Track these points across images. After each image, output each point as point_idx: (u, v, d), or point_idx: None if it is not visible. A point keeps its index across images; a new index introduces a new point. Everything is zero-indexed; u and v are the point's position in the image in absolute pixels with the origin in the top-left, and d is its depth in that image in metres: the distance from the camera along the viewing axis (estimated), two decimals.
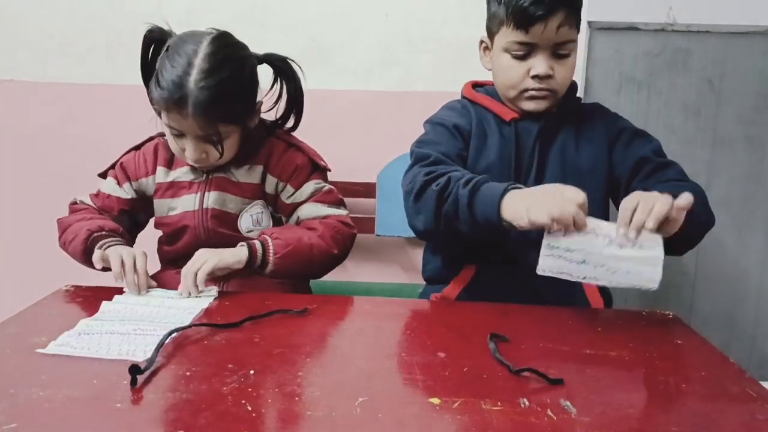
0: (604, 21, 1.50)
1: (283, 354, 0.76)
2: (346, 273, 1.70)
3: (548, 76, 1.03)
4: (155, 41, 1.05)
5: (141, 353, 0.73)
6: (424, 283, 1.23)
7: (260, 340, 0.80)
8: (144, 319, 0.85)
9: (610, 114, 1.16)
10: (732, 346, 1.62)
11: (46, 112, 1.64)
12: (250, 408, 0.62)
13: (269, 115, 1.18)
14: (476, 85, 1.19)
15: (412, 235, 1.08)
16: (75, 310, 0.92)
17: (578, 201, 0.83)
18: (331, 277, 1.65)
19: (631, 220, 0.82)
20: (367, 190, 1.61)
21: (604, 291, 1.09)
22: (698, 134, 1.55)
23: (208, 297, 0.95)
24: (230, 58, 1.01)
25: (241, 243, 1.03)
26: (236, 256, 1.00)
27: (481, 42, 1.12)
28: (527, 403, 0.64)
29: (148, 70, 1.07)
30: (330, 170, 1.20)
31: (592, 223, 0.84)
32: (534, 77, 1.03)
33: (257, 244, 1.02)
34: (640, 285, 0.81)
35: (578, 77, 1.33)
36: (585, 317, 0.94)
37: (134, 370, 0.66)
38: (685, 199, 0.83)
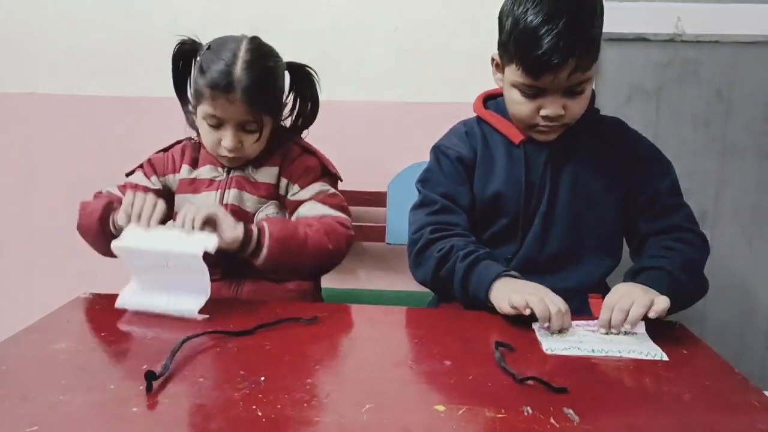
0: (612, 32, 1.51)
1: (293, 361, 0.78)
2: (357, 281, 1.72)
3: (559, 116, 1.00)
4: (186, 52, 1.14)
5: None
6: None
7: (271, 348, 0.82)
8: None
9: (630, 134, 1.13)
10: (745, 357, 1.61)
11: (65, 123, 1.69)
12: (260, 413, 0.64)
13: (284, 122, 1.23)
14: (489, 97, 1.17)
15: None
16: (93, 317, 0.95)
17: (561, 308, 0.87)
18: (342, 284, 1.68)
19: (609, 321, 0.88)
20: (378, 198, 1.63)
21: None
22: (708, 145, 1.56)
23: (207, 240, 0.93)
24: (268, 54, 1.11)
25: (238, 221, 1.01)
26: (234, 231, 0.98)
27: (493, 59, 1.08)
28: (530, 411, 0.66)
29: (180, 81, 1.16)
30: (341, 179, 1.23)
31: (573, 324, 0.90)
32: (544, 117, 1.00)
33: (253, 226, 1.03)
34: (651, 357, 0.81)
35: None
36: None
37: (150, 375, 0.69)
38: (656, 311, 0.85)
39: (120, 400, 0.67)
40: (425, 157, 1.20)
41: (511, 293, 0.90)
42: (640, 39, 1.52)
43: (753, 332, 1.62)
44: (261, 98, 1.06)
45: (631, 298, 0.87)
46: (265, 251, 1.00)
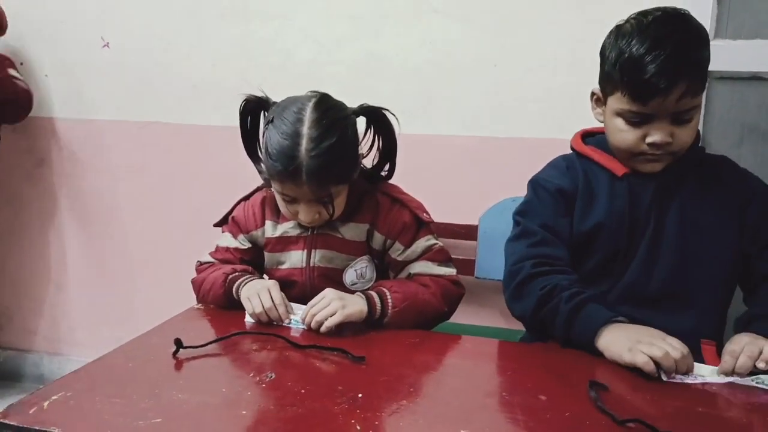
0: (724, 71, 1.45)
1: (388, 381, 0.81)
2: None
3: (667, 143, 0.98)
4: (252, 111, 1.11)
5: None
6: (523, 329, 1.22)
7: (367, 367, 0.85)
8: None
9: (739, 170, 1.09)
10: None
11: (187, 150, 1.86)
12: (359, 428, 0.67)
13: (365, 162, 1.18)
14: (587, 135, 1.16)
15: None
16: (203, 325, 1.04)
17: (683, 351, 0.84)
18: None
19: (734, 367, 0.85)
20: (468, 231, 1.64)
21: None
22: None
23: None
24: (335, 122, 1.02)
25: (359, 294, 1.04)
26: (360, 311, 1.01)
27: (593, 94, 1.08)
28: None
29: (250, 138, 1.13)
30: (433, 222, 1.19)
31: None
32: (651, 144, 0.98)
33: (375, 297, 1.03)
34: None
35: None
36: None
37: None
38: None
39: (230, 403, 0.73)
40: (519, 192, 1.20)
41: (624, 352, 0.86)
42: (755, 78, 1.45)
43: None
44: (331, 176, 1.02)
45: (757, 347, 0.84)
46: (387, 319, 1.03)
